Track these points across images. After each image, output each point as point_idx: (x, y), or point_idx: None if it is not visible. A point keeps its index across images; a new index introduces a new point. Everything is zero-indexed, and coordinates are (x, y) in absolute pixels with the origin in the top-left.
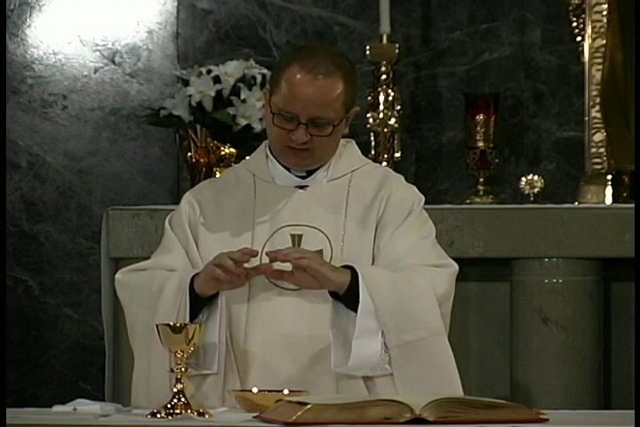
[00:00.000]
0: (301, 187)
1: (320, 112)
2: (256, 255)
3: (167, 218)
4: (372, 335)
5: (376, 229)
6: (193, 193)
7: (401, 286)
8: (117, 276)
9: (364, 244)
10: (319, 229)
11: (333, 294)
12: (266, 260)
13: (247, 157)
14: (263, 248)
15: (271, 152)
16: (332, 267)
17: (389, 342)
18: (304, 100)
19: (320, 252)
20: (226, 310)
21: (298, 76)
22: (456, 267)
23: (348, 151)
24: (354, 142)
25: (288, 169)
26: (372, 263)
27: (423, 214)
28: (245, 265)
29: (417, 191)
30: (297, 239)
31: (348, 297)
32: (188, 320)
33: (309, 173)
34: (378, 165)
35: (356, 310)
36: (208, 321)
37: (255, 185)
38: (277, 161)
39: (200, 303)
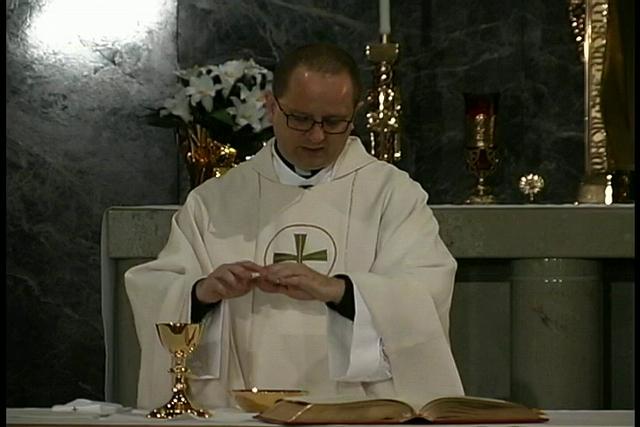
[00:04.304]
0: (306, 186)
1: (333, 109)
2: (258, 271)
3: (174, 216)
4: (370, 344)
5: (379, 226)
6: (199, 190)
7: (397, 292)
8: (127, 275)
9: (368, 243)
10: (323, 229)
11: (329, 303)
12: (270, 260)
13: (252, 156)
14: (267, 248)
15: (277, 152)
16: (325, 280)
17: (388, 350)
18: (316, 99)
19: (324, 252)
20: (229, 316)
21: (306, 76)
22: (454, 264)
23: (353, 149)
24: (359, 140)
25: (293, 168)
26: (374, 262)
27: (426, 211)
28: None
29: (421, 189)
30: (301, 239)
31: (343, 306)
32: (189, 321)
33: (314, 173)
34: (383, 162)
35: (352, 318)
36: (211, 327)
37: (260, 184)
38: (282, 160)
39: (203, 309)
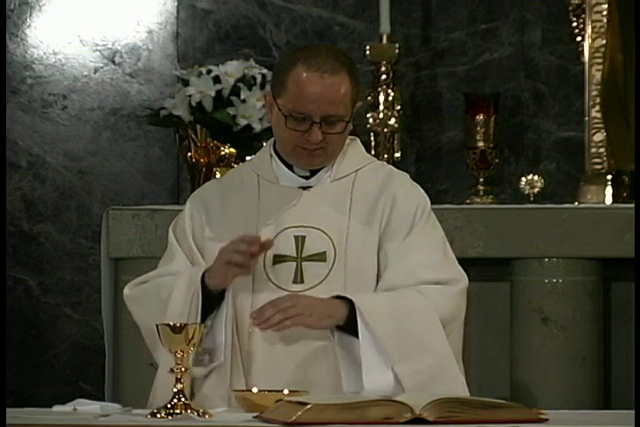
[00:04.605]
0: (305, 187)
1: (332, 110)
2: (259, 241)
3: (171, 225)
4: (381, 369)
5: (380, 232)
6: (199, 193)
7: (403, 314)
8: (125, 291)
9: (368, 245)
10: (322, 231)
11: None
12: (269, 261)
13: (251, 157)
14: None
15: (275, 152)
16: (323, 312)
17: (400, 373)
18: (314, 99)
19: (323, 253)
20: (232, 305)
21: (305, 76)
22: (465, 282)
23: (352, 150)
24: (358, 140)
25: (292, 169)
26: (379, 271)
27: (430, 219)
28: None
29: (422, 192)
30: (300, 241)
31: (348, 329)
32: (199, 314)
33: (313, 173)
34: (382, 163)
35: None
36: (216, 318)
37: (259, 185)
38: (281, 161)
39: (209, 304)
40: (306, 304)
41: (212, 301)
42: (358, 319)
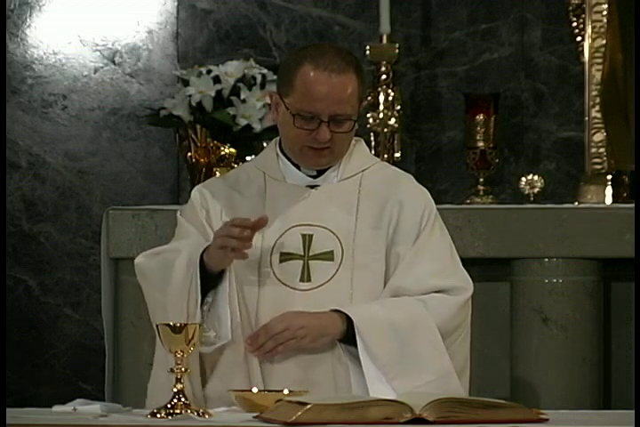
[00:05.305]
0: (312, 186)
1: (339, 109)
2: (249, 223)
3: (178, 211)
4: (382, 383)
5: (388, 237)
6: (205, 185)
7: (402, 330)
8: (136, 260)
9: (376, 247)
10: (330, 230)
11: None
12: (275, 260)
13: (253, 157)
14: (273, 247)
15: (282, 151)
16: (318, 331)
17: (397, 389)
18: (323, 98)
19: (330, 253)
20: (234, 282)
21: (312, 75)
22: (470, 290)
23: (358, 150)
24: (363, 141)
25: (299, 168)
26: (388, 272)
27: (437, 223)
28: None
29: (427, 195)
30: (307, 239)
31: (348, 339)
32: (199, 294)
33: (320, 173)
34: (386, 164)
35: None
36: (217, 294)
37: (266, 183)
38: (288, 160)
39: (211, 281)
40: (299, 326)
41: (212, 278)
42: (357, 337)
